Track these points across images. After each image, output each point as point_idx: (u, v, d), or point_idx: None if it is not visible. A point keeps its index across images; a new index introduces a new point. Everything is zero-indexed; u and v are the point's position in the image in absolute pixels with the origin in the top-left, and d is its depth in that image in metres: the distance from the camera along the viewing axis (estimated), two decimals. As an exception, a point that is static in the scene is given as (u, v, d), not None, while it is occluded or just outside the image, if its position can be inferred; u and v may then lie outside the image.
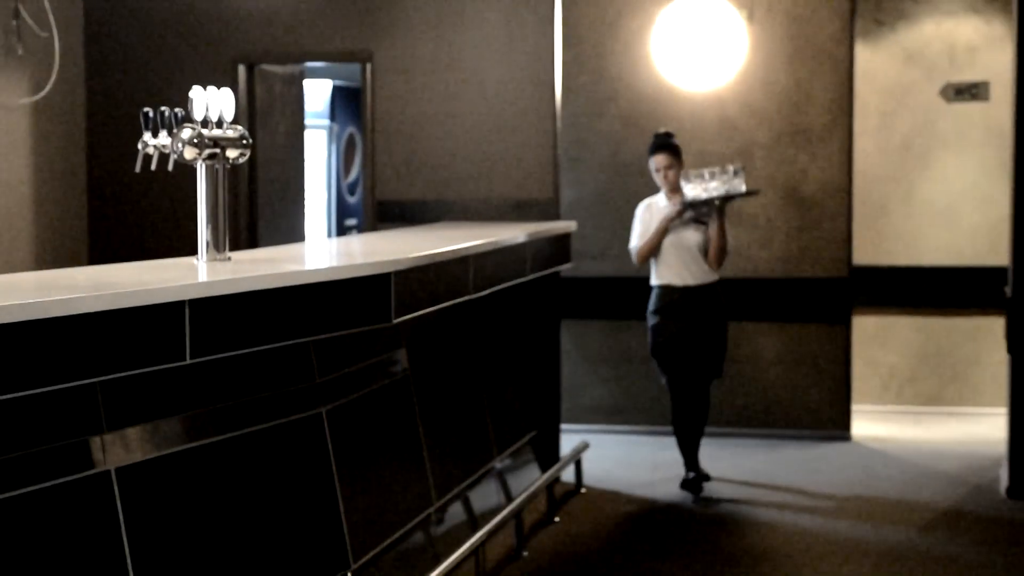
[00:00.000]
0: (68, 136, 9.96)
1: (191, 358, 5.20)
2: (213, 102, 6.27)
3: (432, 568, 6.70)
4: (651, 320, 8.95)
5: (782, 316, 11.41)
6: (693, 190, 8.01)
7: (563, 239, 9.54)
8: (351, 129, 11.75)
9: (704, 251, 8.45)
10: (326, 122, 11.96)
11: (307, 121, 11.52)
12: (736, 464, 10.49)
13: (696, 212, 8.40)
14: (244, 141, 6.41)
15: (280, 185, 10.84)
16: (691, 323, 8.73)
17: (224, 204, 6.46)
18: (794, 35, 11.41)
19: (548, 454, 9.76)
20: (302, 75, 11.18)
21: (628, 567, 7.92)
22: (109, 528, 5.15)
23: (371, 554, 6.55)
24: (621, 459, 10.48)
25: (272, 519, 6.05)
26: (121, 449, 5.23)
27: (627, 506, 9.23)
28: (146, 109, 6.37)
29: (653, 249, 8.77)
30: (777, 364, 11.47)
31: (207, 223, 6.36)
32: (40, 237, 9.67)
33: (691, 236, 8.42)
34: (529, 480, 8.97)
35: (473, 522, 7.83)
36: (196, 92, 6.31)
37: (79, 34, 10.05)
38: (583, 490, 9.60)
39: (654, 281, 8.78)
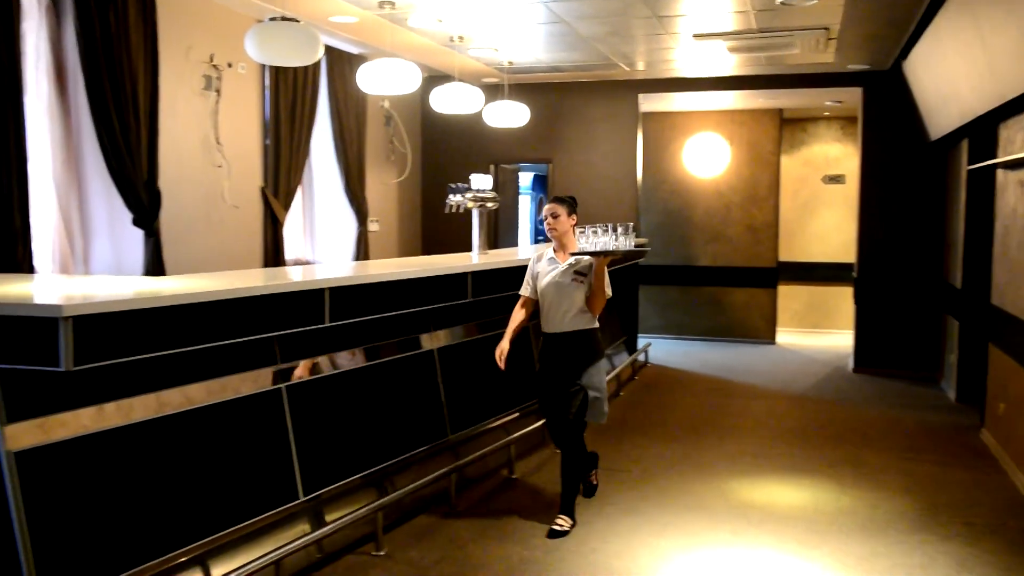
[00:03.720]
0: (412, 196, 10.13)
1: (471, 298, 5.30)
2: (481, 181, 6.37)
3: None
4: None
5: (744, 284, 11.26)
6: (582, 242, 4.68)
7: (641, 246, 9.50)
8: (541, 195, 11.79)
9: (585, 300, 4.72)
10: (530, 192, 12.00)
11: (521, 191, 11.58)
12: (716, 354, 10.41)
13: (579, 264, 4.75)
14: (495, 199, 6.50)
15: (508, 220, 10.93)
16: (557, 367, 4.77)
17: (485, 228, 6.56)
18: (750, 151, 11.25)
19: (631, 347, 9.77)
20: (519, 169, 11.24)
21: (665, 394, 7.94)
22: (432, 377, 5.29)
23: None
24: (667, 350, 10.45)
25: (507, 373, 6.13)
26: (437, 340, 5.37)
27: (668, 371, 9.22)
28: (450, 184, 6.47)
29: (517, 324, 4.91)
30: (741, 307, 11.33)
31: (478, 236, 6.46)
32: (401, 241, 9.86)
33: (570, 286, 4.73)
34: (622, 359, 9.00)
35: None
36: (473, 176, 6.41)
37: (419, 147, 10.22)
38: (648, 364, 9.59)
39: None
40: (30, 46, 5.33)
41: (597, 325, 4.85)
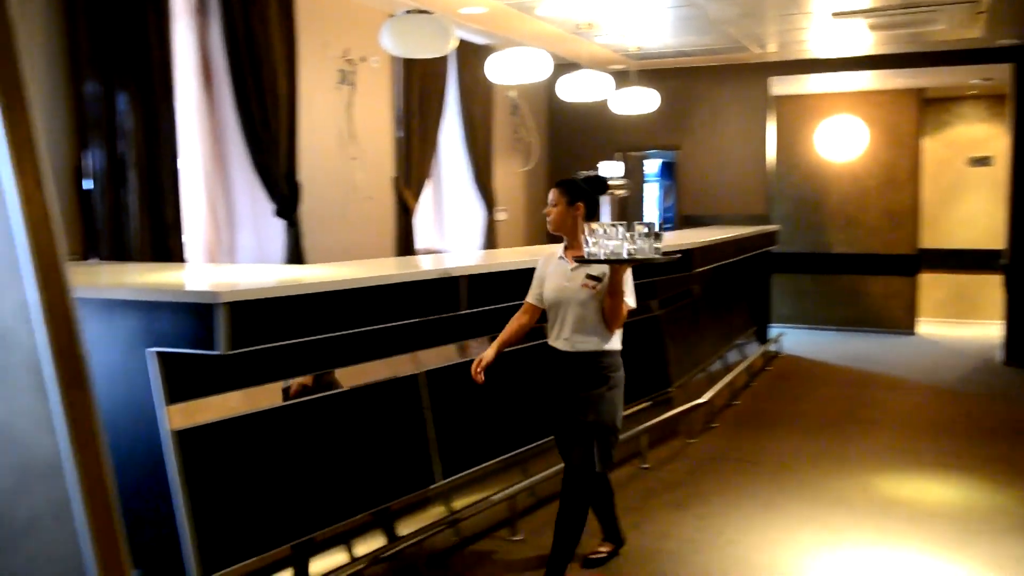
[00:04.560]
0: (539, 185, 10.14)
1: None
2: (611, 168, 6.31)
3: (708, 389, 6.60)
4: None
5: (882, 272, 10.82)
6: (589, 246, 3.51)
7: (772, 234, 9.24)
8: (668, 182, 11.60)
9: (598, 312, 3.65)
10: (657, 179, 11.82)
11: (647, 178, 11.45)
12: (853, 345, 10.03)
13: (591, 266, 3.65)
14: (626, 186, 6.43)
15: (633, 206, 10.79)
16: (558, 394, 3.77)
17: (615, 214, 6.49)
18: (889, 133, 10.78)
19: (762, 337, 9.52)
20: (645, 156, 11.09)
21: (800, 385, 7.71)
22: (658, 336, 5.24)
23: (679, 381, 6.52)
24: (800, 340, 10.13)
25: (639, 363, 6.06)
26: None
27: (802, 362, 8.95)
28: (579, 172, 6.43)
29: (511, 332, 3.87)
30: (878, 296, 10.89)
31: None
32: (528, 230, 9.89)
33: (578, 293, 3.67)
34: (753, 350, 8.79)
35: (726, 368, 7.72)
36: (603, 163, 6.36)
37: (545, 135, 10.22)
38: (781, 355, 9.33)
39: None
40: (179, 47, 5.58)
41: (617, 345, 3.75)
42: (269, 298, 3.12)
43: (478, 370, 3.79)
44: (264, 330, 3.14)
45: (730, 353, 8.07)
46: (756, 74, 9.62)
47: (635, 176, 10.76)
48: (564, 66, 8.88)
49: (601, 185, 3.82)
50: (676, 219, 10.52)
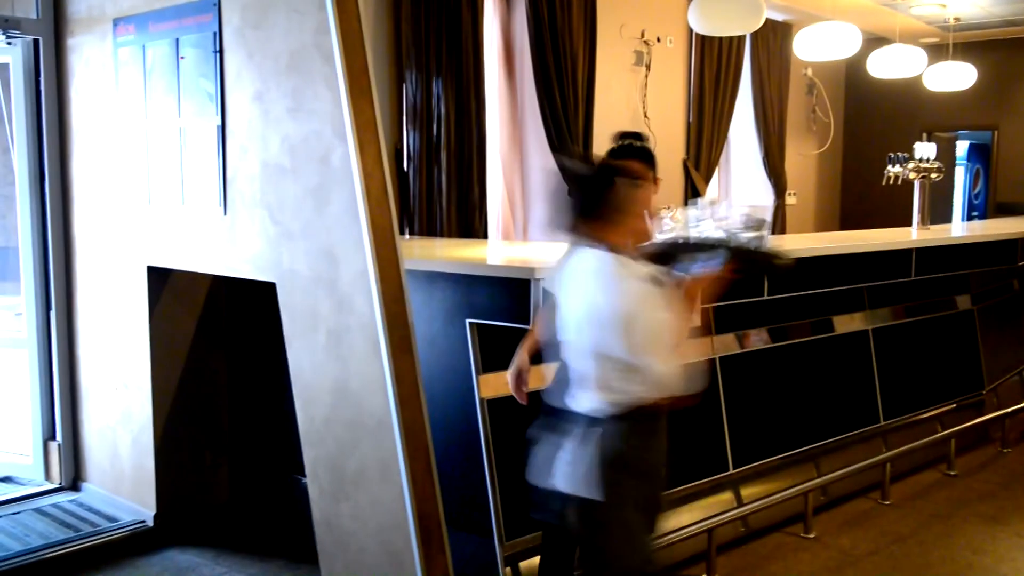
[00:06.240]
0: (832, 168, 9.59)
1: (913, 276, 4.90)
2: (925, 150, 5.86)
3: (1026, 396, 5.97)
4: None
5: None
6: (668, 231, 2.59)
7: None
8: (978, 166, 10.54)
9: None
10: (965, 163, 10.79)
11: (956, 161, 10.49)
12: None
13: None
14: (940, 169, 5.93)
15: (940, 195, 9.94)
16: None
17: (923, 202, 5.97)
18: None
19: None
20: (956, 137, 10.16)
21: None
22: (865, 357, 4.98)
23: (993, 384, 5.92)
24: None
25: (946, 361, 5.57)
26: (872, 320, 5.04)
27: None
28: (890, 153, 5.98)
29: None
30: None
31: (919, 210, 5.91)
32: (818, 215, 9.45)
33: None
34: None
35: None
36: (917, 144, 5.90)
37: (841, 118, 9.67)
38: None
39: None
40: (487, 35, 5.83)
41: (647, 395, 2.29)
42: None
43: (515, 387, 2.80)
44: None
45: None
46: (1098, 43, 8.54)
47: (943, 159, 9.89)
48: (870, 41, 8.33)
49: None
50: (987, 206, 9.59)
